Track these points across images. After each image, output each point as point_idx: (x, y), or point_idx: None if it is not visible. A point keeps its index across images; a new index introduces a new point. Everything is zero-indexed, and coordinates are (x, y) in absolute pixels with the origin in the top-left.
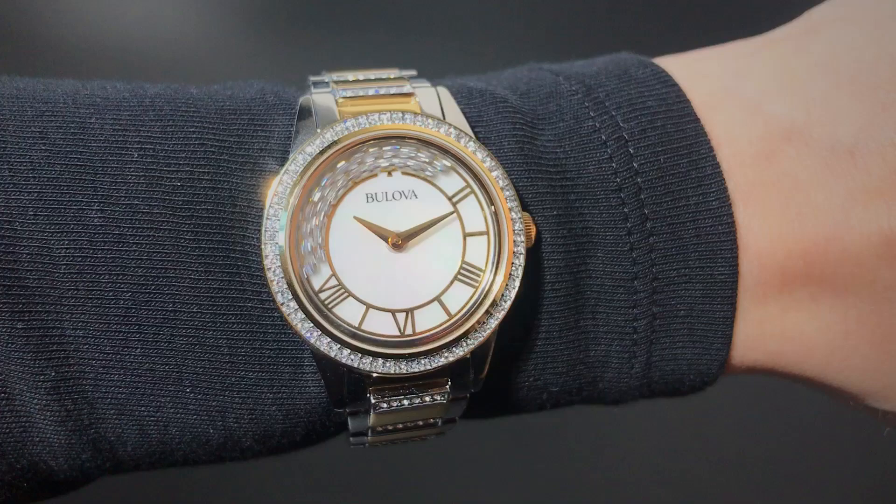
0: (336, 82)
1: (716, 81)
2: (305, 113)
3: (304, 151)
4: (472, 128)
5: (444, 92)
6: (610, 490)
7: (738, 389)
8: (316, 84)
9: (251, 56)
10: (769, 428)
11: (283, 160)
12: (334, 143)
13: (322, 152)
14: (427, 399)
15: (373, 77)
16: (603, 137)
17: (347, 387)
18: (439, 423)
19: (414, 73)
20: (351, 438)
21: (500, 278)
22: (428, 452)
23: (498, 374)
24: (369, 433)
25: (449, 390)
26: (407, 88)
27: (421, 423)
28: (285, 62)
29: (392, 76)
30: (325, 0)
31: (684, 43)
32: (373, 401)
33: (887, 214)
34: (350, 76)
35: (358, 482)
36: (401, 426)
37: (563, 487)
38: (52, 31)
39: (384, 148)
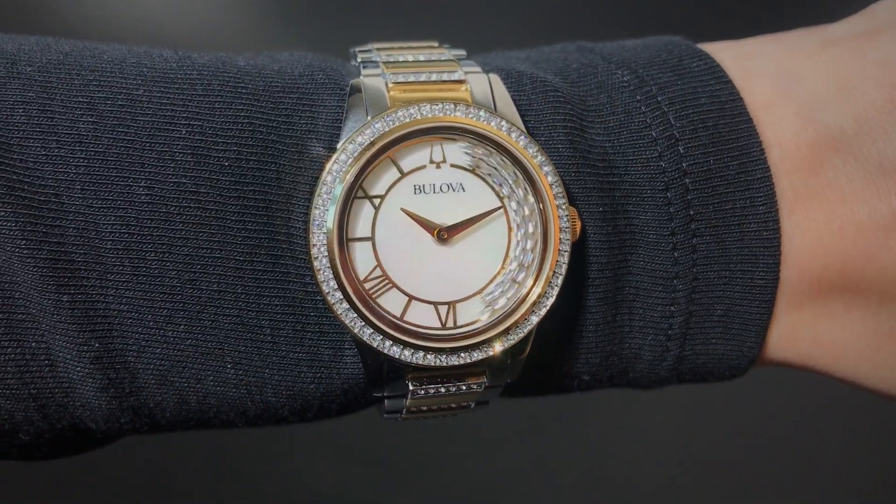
0: (386, 64)
1: (770, 81)
2: (355, 96)
3: (355, 141)
4: (522, 116)
5: (495, 79)
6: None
7: (764, 376)
8: (365, 64)
9: (272, 37)
10: (788, 416)
11: (329, 143)
12: (384, 133)
13: (372, 143)
14: (464, 387)
15: (423, 58)
16: (653, 135)
17: (387, 374)
18: (472, 406)
19: (463, 53)
20: (385, 415)
21: (543, 277)
22: (444, 429)
23: (533, 363)
24: (403, 412)
25: (486, 380)
26: (458, 74)
27: (454, 405)
28: (310, 39)
29: (443, 58)
30: None
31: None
32: (410, 388)
33: None
34: (399, 56)
35: (370, 455)
36: (435, 408)
37: (579, 471)
38: (66, 23)
39: (434, 139)
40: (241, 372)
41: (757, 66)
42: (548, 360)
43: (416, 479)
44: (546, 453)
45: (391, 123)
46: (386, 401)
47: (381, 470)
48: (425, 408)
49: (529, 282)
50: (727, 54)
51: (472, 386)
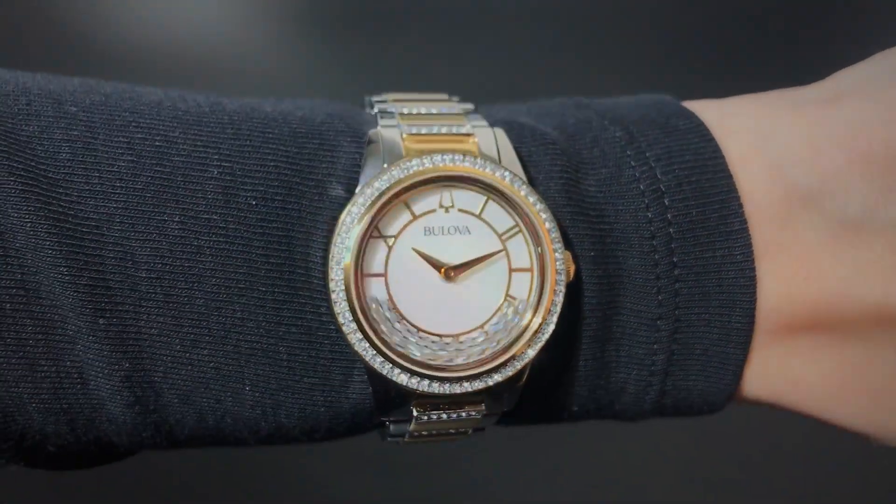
0: (401, 115)
1: (746, 139)
2: (373, 145)
3: (373, 186)
4: (523, 166)
5: (500, 133)
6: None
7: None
8: (382, 114)
9: (292, 60)
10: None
11: (347, 185)
12: (400, 180)
13: (388, 188)
14: (464, 414)
15: (434, 111)
16: (641, 188)
17: (393, 399)
18: (470, 432)
19: (471, 107)
20: (388, 438)
21: (540, 314)
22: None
23: (527, 395)
24: (406, 436)
25: (484, 408)
26: (466, 128)
27: (453, 431)
28: (326, 67)
29: (453, 111)
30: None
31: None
32: (415, 413)
33: (882, 288)
34: (413, 109)
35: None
36: (435, 433)
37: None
38: (91, 32)
39: (444, 187)
40: (258, 394)
41: (736, 124)
42: (541, 392)
43: (416, 481)
44: (545, 454)
45: (406, 171)
46: (391, 426)
47: (380, 472)
48: (426, 433)
49: (527, 317)
50: (711, 112)
51: (471, 413)
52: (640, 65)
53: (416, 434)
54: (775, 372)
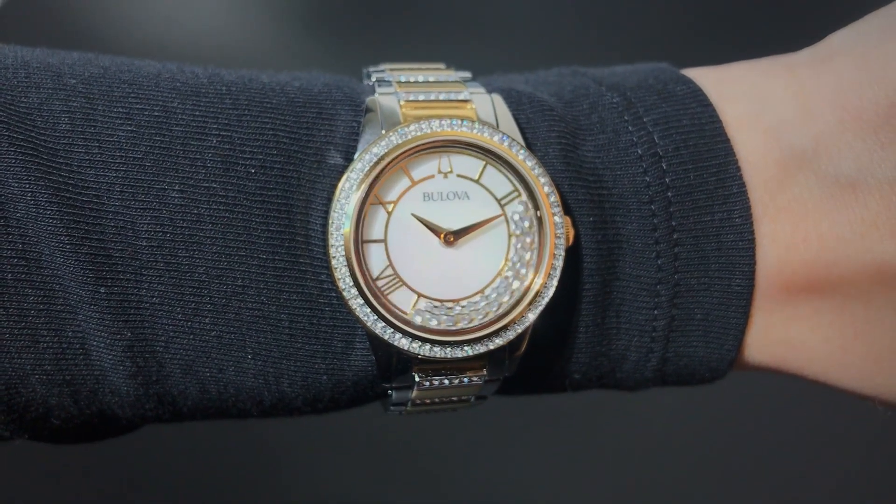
0: (398, 83)
1: (742, 103)
2: (371, 113)
3: (371, 151)
4: (522, 132)
5: (497, 99)
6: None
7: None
8: (379, 83)
9: (289, 52)
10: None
11: (345, 153)
12: (398, 145)
13: (386, 154)
14: (465, 380)
15: (432, 79)
16: (639, 152)
17: (395, 365)
18: (472, 400)
19: (468, 75)
20: (391, 407)
21: (540, 277)
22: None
23: (529, 361)
24: (409, 404)
25: (486, 374)
26: (464, 95)
27: (455, 399)
28: (325, 56)
29: (450, 79)
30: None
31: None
32: (416, 379)
33: (880, 245)
34: (411, 77)
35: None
36: (437, 401)
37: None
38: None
39: (442, 152)
40: (260, 363)
41: (732, 89)
42: (542, 358)
43: (419, 479)
44: (547, 450)
45: (403, 137)
46: (393, 393)
47: (384, 472)
48: (429, 400)
49: (527, 281)
50: (708, 78)
51: (472, 379)
52: (641, 46)
53: (418, 402)
54: (777, 337)
